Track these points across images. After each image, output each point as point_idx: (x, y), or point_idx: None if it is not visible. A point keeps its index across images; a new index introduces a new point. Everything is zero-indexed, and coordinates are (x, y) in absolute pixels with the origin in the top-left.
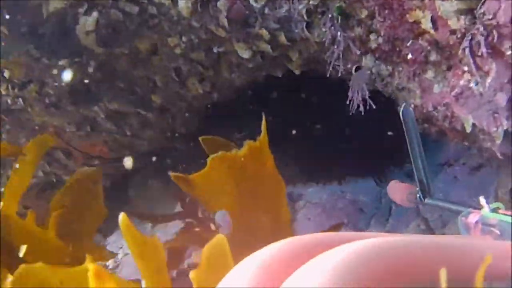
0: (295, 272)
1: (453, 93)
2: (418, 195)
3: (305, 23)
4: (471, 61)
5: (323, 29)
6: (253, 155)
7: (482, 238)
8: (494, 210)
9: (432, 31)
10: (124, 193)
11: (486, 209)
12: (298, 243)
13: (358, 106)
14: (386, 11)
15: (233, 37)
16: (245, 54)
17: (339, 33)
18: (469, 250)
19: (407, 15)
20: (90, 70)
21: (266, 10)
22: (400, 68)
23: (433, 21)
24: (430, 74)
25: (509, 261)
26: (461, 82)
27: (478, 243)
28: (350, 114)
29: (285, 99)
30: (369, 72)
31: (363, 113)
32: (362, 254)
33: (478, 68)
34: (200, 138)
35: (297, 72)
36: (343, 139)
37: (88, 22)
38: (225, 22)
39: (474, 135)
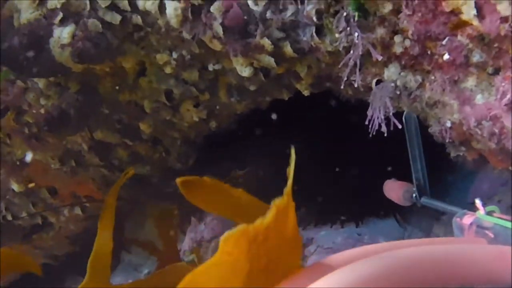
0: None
1: (504, 101)
2: (414, 195)
3: (314, 28)
4: None
5: (337, 34)
6: (277, 218)
7: (476, 241)
8: (489, 213)
9: (475, 22)
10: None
11: (481, 212)
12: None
13: (380, 127)
14: (416, 1)
15: (230, 50)
16: (245, 71)
17: (356, 34)
18: (462, 255)
19: (443, 3)
20: (70, 93)
21: (268, 14)
22: (433, 77)
23: (478, 7)
24: (470, 82)
25: (502, 265)
26: None
27: (471, 248)
28: (368, 144)
29: (293, 128)
30: (393, 84)
31: (383, 143)
32: (361, 277)
33: None
34: (178, 181)
35: (306, 93)
36: (360, 173)
37: (63, 34)
38: (220, 30)
39: None
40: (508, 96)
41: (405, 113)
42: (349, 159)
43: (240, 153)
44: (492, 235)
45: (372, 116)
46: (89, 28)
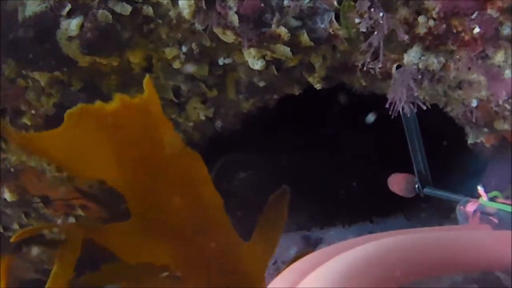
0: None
1: None
2: (417, 185)
3: (333, 14)
4: None
5: (357, 20)
6: (133, 115)
7: (480, 227)
8: (493, 199)
9: None
10: None
11: (484, 198)
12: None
13: (403, 108)
14: None
15: (244, 41)
16: (257, 64)
17: (381, 14)
18: (468, 242)
19: None
20: (72, 91)
21: (286, 2)
22: (458, 56)
23: None
24: (499, 57)
25: (508, 250)
26: None
27: (476, 234)
28: (378, 141)
29: (301, 127)
30: (415, 67)
31: (394, 140)
32: (362, 259)
33: None
34: None
35: (318, 86)
36: (366, 172)
37: (71, 26)
38: (235, 19)
39: None
40: None
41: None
42: (355, 157)
43: (244, 155)
44: (496, 221)
45: (393, 99)
46: (98, 19)
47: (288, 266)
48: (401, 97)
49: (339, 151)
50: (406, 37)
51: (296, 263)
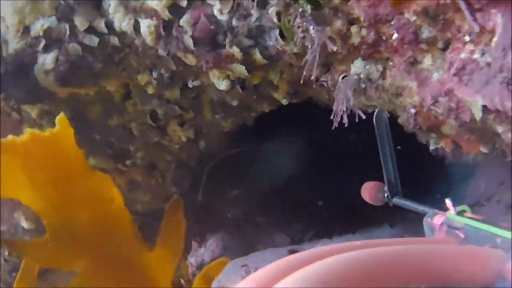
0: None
1: (452, 71)
2: (386, 194)
3: (278, 30)
4: (468, 14)
5: (301, 34)
6: (42, 146)
7: (446, 241)
8: (460, 213)
9: None
10: None
11: (452, 212)
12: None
13: (342, 119)
14: None
15: (203, 63)
16: (222, 84)
17: (311, 27)
18: (433, 255)
19: None
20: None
21: (234, 22)
22: (391, 63)
23: None
24: (427, 62)
25: (473, 265)
26: (462, 55)
27: (442, 248)
28: (359, 155)
29: (281, 141)
30: (356, 77)
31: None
32: (326, 271)
33: (480, 26)
34: None
35: (284, 102)
36: (350, 184)
37: (47, 60)
38: (190, 43)
39: (489, 130)
40: (456, 64)
41: (375, 112)
42: (339, 168)
43: (233, 172)
44: (462, 235)
45: (336, 109)
46: (69, 52)
47: None
48: (341, 107)
49: (324, 166)
50: (335, 48)
51: (274, 263)
